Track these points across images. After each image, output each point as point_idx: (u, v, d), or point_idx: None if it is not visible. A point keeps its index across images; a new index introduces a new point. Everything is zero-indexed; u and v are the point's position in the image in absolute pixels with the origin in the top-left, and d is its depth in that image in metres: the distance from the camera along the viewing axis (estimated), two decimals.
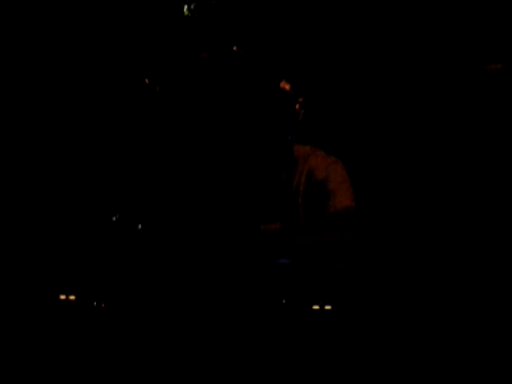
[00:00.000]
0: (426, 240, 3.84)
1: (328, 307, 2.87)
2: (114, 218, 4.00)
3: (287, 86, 3.39)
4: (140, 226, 3.92)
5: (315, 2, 4.12)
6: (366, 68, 4.16)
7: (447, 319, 3.16)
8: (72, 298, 3.03)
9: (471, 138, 4.04)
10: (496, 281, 3.45)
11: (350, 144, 4.12)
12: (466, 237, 3.83)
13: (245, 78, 3.48)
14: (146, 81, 3.94)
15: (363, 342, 2.91)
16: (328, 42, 4.14)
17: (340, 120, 4.16)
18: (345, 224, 3.30)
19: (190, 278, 3.19)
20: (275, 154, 3.39)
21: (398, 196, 4.06)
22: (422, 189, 4.06)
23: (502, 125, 3.98)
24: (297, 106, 3.41)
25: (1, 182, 3.93)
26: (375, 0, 4.16)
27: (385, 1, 4.16)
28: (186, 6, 3.98)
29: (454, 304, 3.26)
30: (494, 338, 3.09)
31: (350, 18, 4.14)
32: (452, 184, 4.03)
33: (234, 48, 3.83)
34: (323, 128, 4.06)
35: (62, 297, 3.03)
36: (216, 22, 4.00)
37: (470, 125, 4.05)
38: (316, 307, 2.88)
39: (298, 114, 3.43)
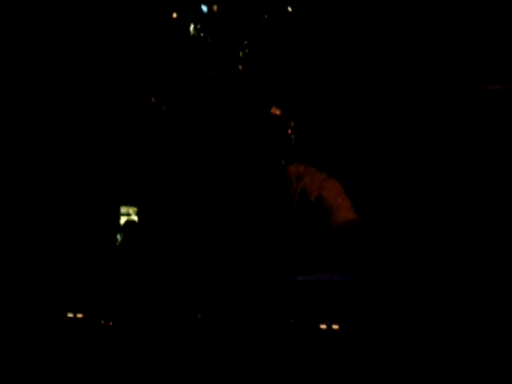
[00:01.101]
0: (429, 248, 3.85)
1: (335, 326, 2.88)
2: (120, 237, 4.01)
3: (278, 112, 3.39)
4: (147, 246, 3.93)
5: (315, 24, 4.15)
6: (366, 87, 4.18)
7: (452, 332, 3.16)
8: (80, 315, 3.03)
9: (472, 158, 4.05)
10: (497, 283, 3.46)
11: (346, 160, 4.14)
12: (468, 246, 3.83)
13: (241, 101, 3.50)
14: (152, 99, 3.96)
15: (370, 362, 2.91)
16: (323, 63, 4.18)
17: (334, 136, 4.18)
18: (352, 237, 3.29)
19: (197, 297, 3.19)
20: (268, 178, 3.37)
21: (393, 209, 4.07)
22: (422, 203, 4.08)
23: (504, 144, 4.00)
24: (289, 131, 3.41)
25: (5, 187, 3.93)
26: (377, 19, 4.18)
27: (386, 19, 4.18)
28: (192, 26, 4.00)
29: (459, 316, 3.26)
30: (497, 341, 3.10)
31: (347, 39, 4.17)
32: (452, 201, 4.04)
33: (240, 67, 3.85)
34: (316, 147, 4.08)
35: (70, 315, 3.03)
36: (222, 41, 4.02)
37: (471, 144, 4.07)
38: (323, 326, 2.88)
39: (290, 139, 3.42)
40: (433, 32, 4.13)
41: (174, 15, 4.01)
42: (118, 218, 4.32)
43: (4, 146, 4.02)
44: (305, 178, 3.40)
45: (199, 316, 2.99)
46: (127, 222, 4.20)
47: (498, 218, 3.92)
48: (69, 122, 4.14)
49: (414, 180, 4.14)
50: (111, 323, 3.00)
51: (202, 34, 4.00)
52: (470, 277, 3.54)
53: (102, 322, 3.01)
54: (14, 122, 4.06)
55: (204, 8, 3.99)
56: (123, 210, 4.36)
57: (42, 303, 3.19)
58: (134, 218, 4.31)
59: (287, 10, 4.03)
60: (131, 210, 4.37)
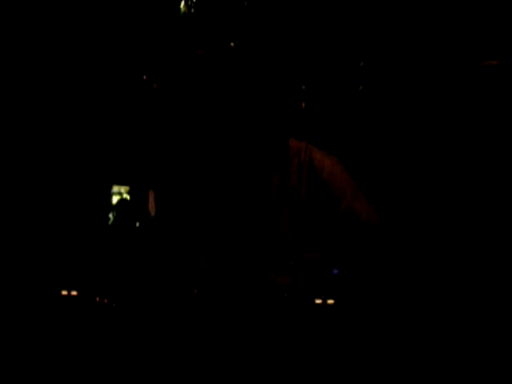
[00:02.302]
0: (426, 241, 3.85)
1: (330, 301, 2.88)
2: (113, 216, 4.00)
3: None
4: (139, 224, 3.92)
5: None
6: (362, 64, 4.17)
7: (446, 319, 3.17)
8: (74, 293, 3.03)
9: (469, 135, 4.05)
10: (497, 283, 3.47)
11: (346, 141, 4.12)
12: (465, 240, 3.84)
13: (243, 68, 3.44)
14: (144, 77, 3.94)
15: (365, 338, 2.92)
16: (325, 36, 4.14)
17: (335, 116, 4.16)
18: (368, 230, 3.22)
19: (191, 274, 3.18)
20: (271, 147, 3.26)
21: (394, 195, 4.06)
22: (419, 186, 4.07)
23: (500, 121, 4.00)
24: (300, 93, 3.31)
25: (1, 179, 3.91)
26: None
27: None
28: (182, 3, 3.98)
29: (453, 304, 3.27)
30: (494, 339, 3.11)
31: (348, 13, 4.15)
32: (449, 182, 4.03)
33: (232, 44, 3.82)
34: (319, 124, 4.04)
35: (64, 292, 3.03)
36: (213, 18, 4.00)
37: (467, 121, 4.06)
38: (318, 301, 2.88)
39: (300, 102, 3.34)
40: (427, 8, 4.11)
41: None
42: (110, 197, 4.31)
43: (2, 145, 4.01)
44: (312, 153, 3.30)
45: (195, 291, 2.99)
46: (120, 201, 4.19)
47: (496, 202, 3.92)
48: (60, 102, 4.11)
49: (410, 164, 4.14)
50: (106, 300, 3.00)
51: (192, 11, 3.98)
52: (464, 270, 3.55)
53: (97, 299, 3.00)
54: (9, 117, 4.05)
55: None
56: (115, 188, 4.34)
57: (37, 281, 3.18)
58: (126, 196, 4.30)
59: None
60: (123, 189, 4.36)
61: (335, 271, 3.01)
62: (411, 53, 4.15)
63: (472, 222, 3.89)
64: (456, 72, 4.10)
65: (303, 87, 3.42)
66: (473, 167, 4.00)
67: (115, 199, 4.30)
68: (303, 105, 3.42)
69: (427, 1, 4.13)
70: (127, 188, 4.32)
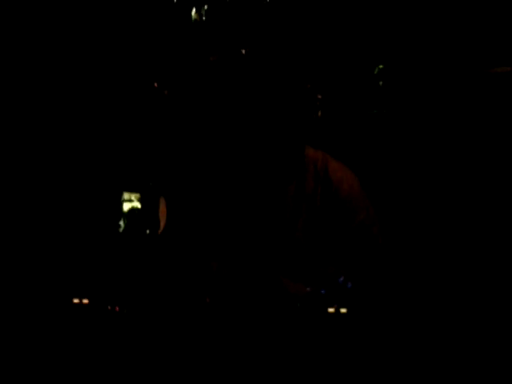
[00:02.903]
0: (430, 245, 3.84)
1: (343, 310, 2.86)
2: (123, 223, 3.99)
3: (307, 85, 3.28)
4: (150, 231, 3.91)
5: (323, 5, 4.11)
6: (372, 70, 4.16)
7: (456, 328, 3.16)
8: (85, 301, 3.02)
9: (478, 141, 4.04)
10: (497, 283, 3.46)
11: (361, 150, 4.10)
12: (468, 242, 3.83)
13: (256, 75, 3.42)
14: (155, 84, 3.93)
15: (376, 347, 2.90)
16: (339, 43, 4.14)
17: (351, 125, 4.14)
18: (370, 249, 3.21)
19: (202, 281, 3.18)
20: (288, 154, 3.24)
21: (407, 202, 4.06)
22: (426, 192, 4.06)
23: (509, 127, 3.99)
24: (316, 102, 3.29)
25: (12, 187, 3.91)
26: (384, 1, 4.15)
27: (393, 2, 4.16)
28: (194, 10, 3.98)
29: (460, 309, 3.26)
30: (496, 340, 3.10)
31: (357, 18, 4.14)
32: (456, 186, 4.03)
33: (243, 51, 3.82)
34: (335, 133, 4.03)
35: (76, 300, 3.02)
36: (224, 26, 4.00)
37: (477, 128, 4.05)
38: (331, 310, 2.87)
39: (316, 111, 3.33)
40: (437, 14, 4.10)
41: None
42: (121, 204, 4.30)
43: (3, 130, 4.00)
44: (329, 163, 3.27)
45: (208, 300, 2.98)
46: (131, 209, 4.18)
47: (500, 201, 3.91)
48: (70, 107, 4.11)
49: (416, 166, 4.13)
50: (117, 308, 2.99)
51: (203, 18, 3.97)
52: (467, 272, 3.54)
53: (109, 307, 2.99)
54: (11, 107, 4.04)
55: None
56: (125, 196, 4.33)
57: (48, 290, 3.17)
58: (137, 204, 4.28)
59: None
60: (133, 196, 4.35)
61: (349, 284, 3.01)
62: (423, 60, 4.14)
63: (479, 229, 3.88)
64: (467, 79, 4.09)
65: (319, 96, 3.40)
66: (483, 174, 3.99)
67: (126, 206, 4.29)
68: (319, 113, 3.41)
69: (439, 7, 4.12)
70: (138, 195, 4.31)
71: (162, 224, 3.88)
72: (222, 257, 3.24)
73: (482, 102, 4.06)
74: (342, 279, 2.99)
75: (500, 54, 4.04)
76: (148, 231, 3.98)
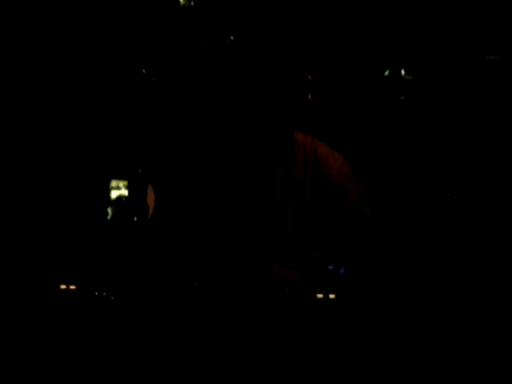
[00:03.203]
0: (427, 240, 3.84)
1: (332, 296, 2.86)
2: (111, 211, 3.97)
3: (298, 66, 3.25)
4: (137, 218, 3.90)
5: None
6: (365, 58, 4.14)
7: (447, 316, 3.17)
8: (73, 287, 3.00)
9: (471, 131, 4.04)
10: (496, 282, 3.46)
11: (352, 136, 4.09)
12: (465, 239, 3.83)
13: (244, 61, 3.40)
14: (143, 71, 3.91)
15: (366, 333, 2.90)
16: (325, 31, 4.12)
17: (342, 109, 4.12)
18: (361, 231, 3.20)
19: (191, 266, 3.17)
20: (277, 139, 3.22)
21: (395, 190, 4.05)
22: (420, 183, 4.06)
23: (500, 116, 3.98)
24: (306, 84, 3.27)
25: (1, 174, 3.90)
26: None
27: None
28: None
29: (455, 303, 3.26)
30: (494, 339, 3.10)
31: (349, 8, 4.13)
32: (450, 179, 4.02)
33: (231, 37, 3.80)
34: (325, 117, 4.01)
35: (63, 286, 3.00)
36: (212, 12, 3.98)
37: (468, 117, 4.05)
38: (320, 296, 2.86)
39: (306, 94, 3.31)
40: (429, 2, 4.10)
41: None
42: (109, 192, 4.28)
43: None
44: (318, 148, 3.26)
45: (195, 285, 2.97)
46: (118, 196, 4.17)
47: (496, 200, 3.91)
48: (57, 96, 4.09)
49: (412, 156, 4.12)
50: (105, 294, 2.98)
51: (192, 4, 3.96)
52: (464, 268, 3.54)
53: (96, 293, 2.98)
54: (9, 116, 4.03)
55: None
56: (113, 183, 4.31)
57: (35, 275, 3.16)
58: (125, 191, 4.27)
59: None
60: (121, 184, 4.33)
61: (341, 270, 3.00)
62: (415, 48, 4.13)
63: (472, 221, 3.89)
64: (456, 67, 4.08)
65: (309, 77, 3.38)
66: (472, 163, 3.99)
67: (114, 193, 4.27)
68: (309, 96, 3.39)
69: None
70: (126, 182, 4.29)
71: (150, 210, 3.86)
72: (210, 241, 3.23)
73: (473, 90, 4.05)
74: (332, 266, 2.98)
75: (491, 42, 4.04)
76: (136, 218, 3.97)
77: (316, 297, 2.86)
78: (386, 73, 3.92)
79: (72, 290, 2.99)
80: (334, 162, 3.25)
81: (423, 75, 4.10)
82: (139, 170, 4.08)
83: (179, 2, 3.99)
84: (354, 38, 4.11)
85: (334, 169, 3.24)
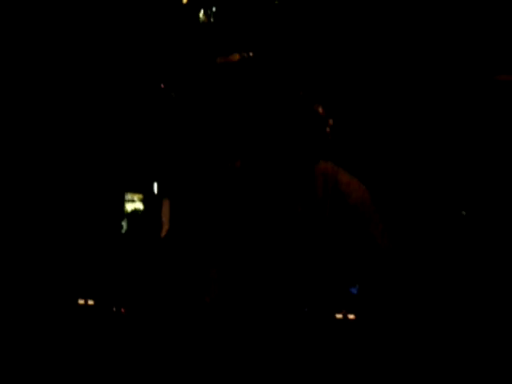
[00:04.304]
0: (436, 255, 3.84)
1: (351, 316, 2.86)
2: (126, 224, 3.98)
3: (320, 109, 3.28)
4: (152, 233, 3.90)
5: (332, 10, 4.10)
6: (378, 79, 4.15)
7: (461, 332, 3.16)
8: (91, 302, 3.00)
9: (483, 149, 4.04)
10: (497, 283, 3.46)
11: (364, 158, 4.09)
12: (468, 243, 3.83)
13: (263, 85, 3.41)
14: (162, 86, 3.92)
15: (383, 352, 2.90)
16: (342, 56, 4.13)
17: (353, 134, 4.13)
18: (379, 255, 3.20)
19: (202, 284, 3.16)
20: (298, 172, 3.24)
21: (411, 208, 4.05)
22: (433, 200, 4.06)
23: None
24: (327, 129, 3.29)
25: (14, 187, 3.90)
26: (388, 11, 4.14)
27: (397, 11, 4.15)
28: (202, 11, 3.96)
29: (468, 318, 3.26)
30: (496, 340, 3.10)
31: (361, 33, 4.14)
32: (461, 193, 4.03)
33: (251, 54, 3.80)
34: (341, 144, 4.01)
35: (81, 301, 3.01)
36: (231, 28, 3.98)
37: (480, 134, 4.05)
38: (339, 316, 2.86)
39: (327, 136, 3.32)
40: (441, 21, 4.10)
41: (184, 0, 3.97)
42: (123, 205, 4.28)
43: (5, 127, 3.99)
44: (339, 176, 3.27)
45: (207, 300, 2.97)
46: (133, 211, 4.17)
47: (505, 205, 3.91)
48: (73, 105, 4.10)
49: (421, 172, 4.12)
50: (123, 310, 2.98)
51: (212, 20, 3.96)
52: (477, 284, 3.54)
53: (114, 308, 2.98)
54: (13, 104, 4.03)
55: None
56: (128, 196, 4.32)
57: (53, 291, 3.16)
58: (140, 205, 4.27)
59: None
60: (136, 197, 4.34)
61: (353, 290, 3.00)
62: (428, 67, 4.14)
63: (485, 239, 3.89)
64: (471, 86, 4.08)
65: (331, 122, 3.40)
66: (486, 180, 3.99)
67: (129, 207, 4.27)
68: (329, 127, 3.40)
69: (444, 14, 4.12)
70: (141, 196, 4.30)
71: (166, 226, 3.87)
72: (224, 263, 3.22)
73: (485, 110, 4.05)
74: (354, 289, 2.99)
75: (504, 62, 4.04)
76: (150, 233, 3.97)
77: (335, 317, 2.85)
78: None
79: (90, 305, 2.99)
80: (354, 191, 3.25)
81: (436, 94, 4.10)
82: (155, 184, 4.08)
83: (199, 18, 4.00)
84: (365, 58, 4.13)
85: (354, 197, 3.24)
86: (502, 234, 3.85)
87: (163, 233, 3.84)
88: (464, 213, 3.99)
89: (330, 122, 3.31)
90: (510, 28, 4.06)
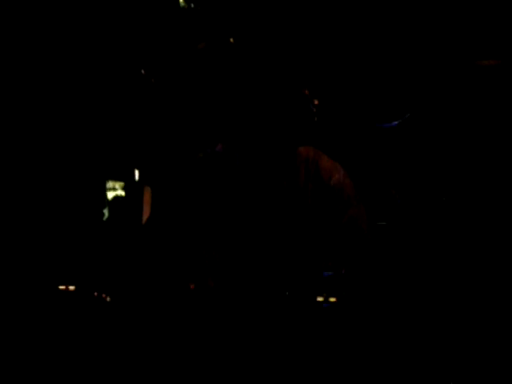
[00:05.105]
0: (428, 242, 3.84)
1: (333, 299, 2.86)
2: (107, 212, 3.97)
3: (305, 90, 3.29)
4: (133, 220, 3.89)
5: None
6: (363, 65, 4.15)
7: (447, 316, 3.17)
8: (72, 288, 2.99)
9: (468, 136, 4.04)
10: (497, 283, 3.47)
11: (348, 145, 4.09)
12: (467, 238, 3.83)
13: (245, 70, 3.41)
14: (142, 72, 3.90)
15: (366, 335, 2.90)
16: (325, 37, 4.12)
17: (336, 119, 4.13)
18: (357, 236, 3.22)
19: (187, 270, 3.16)
20: (280, 157, 3.25)
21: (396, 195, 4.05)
22: (418, 186, 4.06)
23: (499, 121, 3.99)
24: (313, 109, 3.31)
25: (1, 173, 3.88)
26: None
27: None
28: None
29: (453, 302, 3.27)
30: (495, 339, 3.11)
31: (349, 14, 4.13)
32: (448, 181, 4.03)
33: (231, 40, 3.79)
34: (325, 129, 4.01)
35: (62, 287, 3.00)
36: (213, 12, 3.97)
37: (467, 122, 4.06)
38: (320, 299, 2.86)
39: (313, 116, 3.33)
40: (425, 7, 4.11)
41: None
42: (105, 193, 4.27)
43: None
44: (320, 161, 3.29)
45: (192, 287, 2.97)
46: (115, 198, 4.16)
47: (496, 203, 3.91)
48: (55, 96, 4.08)
49: (408, 161, 4.12)
50: (104, 295, 2.97)
51: (192, 5, 3.95)
52: (464, 268, 3.55)
53: (95, 294, 2.97)
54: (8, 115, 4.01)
55: None
56: (109, 184, 4.31)
57: (34, 277, 3.15)
58: (121, 192, 4.26)
59: None
60: (117, 185, 4.32)
61: (325, 273, 3.03)
62: (410, 52, 4.14)
63: (473, 223, 3.89)
64: (454, 71, 4.09)
65: (316, 102, 3.40)
66: (471, 168, 4.00)
67: (110, 195, 4.26)
68: (315, 116, 3.41)
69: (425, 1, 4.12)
70: (122, 183, 4.29)
71: (147, 212, 3.86)
72: (212, 244, 3.22)
73: (469, 95, 4.06)
74: (327, 273, 3.00)
75: (487, 47, 4.05)
76: (132, 220, 3.96)
77: (316, 300, 2.86)
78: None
79: (71, 291, 2.98)
80: (335, 175, 3.28)
81: (420, 81, 4.11)
82: (136, 172, 4.07)
83: (179, 3, 3.99)
84: (351, 38, 4.13)
85: (334, 181, 3.27)
86: (498, 226, 3.86)
87: (144, 220, 3.83)
88: (444, 199, 3.99)
89: (316, 101, 3.33)
90: (491, 13, 4.06)
